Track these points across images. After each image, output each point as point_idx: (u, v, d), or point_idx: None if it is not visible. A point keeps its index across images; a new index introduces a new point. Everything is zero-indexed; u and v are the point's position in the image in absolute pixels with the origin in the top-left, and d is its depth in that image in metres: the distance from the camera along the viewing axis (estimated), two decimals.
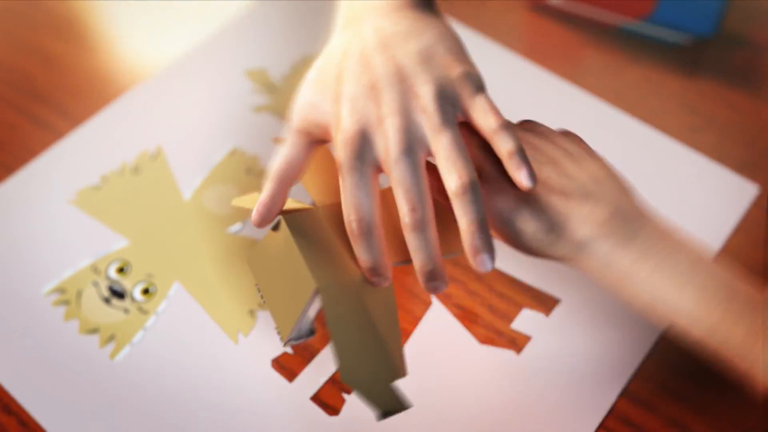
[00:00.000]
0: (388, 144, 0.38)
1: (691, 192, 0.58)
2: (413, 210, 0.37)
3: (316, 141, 0.42)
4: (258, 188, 0.57)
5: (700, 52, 0.67)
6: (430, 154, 0.39)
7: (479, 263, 0.38)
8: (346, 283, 0.40)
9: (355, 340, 0.40)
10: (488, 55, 0.66)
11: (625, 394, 0.48)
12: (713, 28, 0.65)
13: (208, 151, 0.59)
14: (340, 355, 0.39)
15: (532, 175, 0.38)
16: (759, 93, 0.64)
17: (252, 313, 0.51)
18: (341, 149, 0.38)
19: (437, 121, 0.38)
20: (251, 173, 0.58)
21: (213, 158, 0.59)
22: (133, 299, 0.52)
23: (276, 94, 0.63)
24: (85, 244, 0.54)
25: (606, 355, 0.50)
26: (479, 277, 0.53)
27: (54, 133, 0.60)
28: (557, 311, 0.52)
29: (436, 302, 0.52)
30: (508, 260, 0.54)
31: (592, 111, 0.62)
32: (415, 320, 0.51)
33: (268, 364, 0.49)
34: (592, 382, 0.48)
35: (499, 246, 0.55)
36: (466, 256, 0.39)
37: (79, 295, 0.52)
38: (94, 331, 0.51)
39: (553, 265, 0.54)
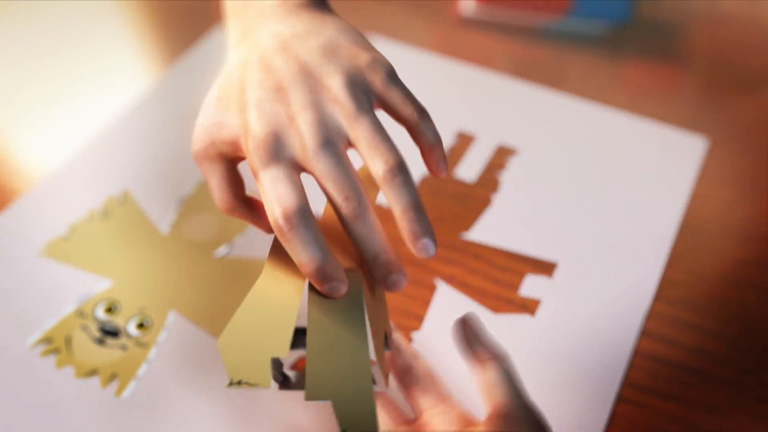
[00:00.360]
0: (303, 140, 0.35)
1: (649, 155, 0.61)
2: (347, 199, 0.34)
3: (231, 160, 0.39)
4: (235, 221, 0.56)
5: (621, 39, 0.72)
6: (349, 144, 0.36)
7: (421, 249, 0.34)
8: (290, 286, 0.35)
9: (254, 323, 0.35)
10: (426, 64, 0.68)
11: (644, 333, 0.49)
12: (629, 14, 0.71)
13: (176, 187, 0.58)
14: (232, 325, 0.35)
15: (446, 167, 0.38)
16: (682, 65, 0.69)
17: None
18: (254, 154, 0.35)
19: (352, 108, 0.36)
20: None
21: (183, 192, 0.58)
22: (128, 335, 0.49)
23: None
24: (66, 291, 0.51)
25: (615, 302, 0.51)
26: (477, 255, 0.53)
27: (9, 193, 0.57)
28: (558, 273, 0.52)
29: (441, 284, 0.51)
30: (501, 235, 0.55)
31: (541, 99, 0.65)
32: (425, 304, 0.50)
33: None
34: (610, 328, 0.49)
35: (492, 223, 0.55)
36: (407, 244, 0.36)
37: (68, 341, 0.49)
38: (92, 373, 0.47)
39: (546, 232, 0.55)
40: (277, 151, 0.35)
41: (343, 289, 0.35)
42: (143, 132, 0.62)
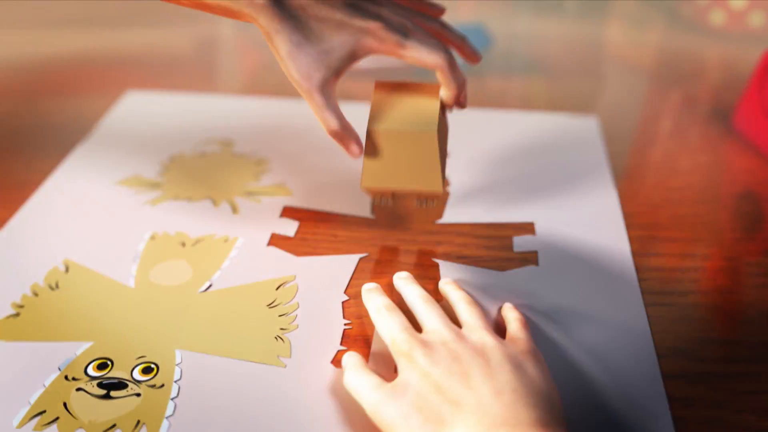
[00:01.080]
0: (401, 22, 0.45)
1: (559, 135, 0.67)
2: (442, 46, 0.46)
3: (336, 73, 0.46)
4: (207, 259, 0.52)
5: (487, 64, 0.80)
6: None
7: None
8: (440, 118, 0.47)
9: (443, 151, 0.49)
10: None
11: (635, 254, 0.52)
12: (488, 42, 0.80)
13: (125, 245, 0.53)
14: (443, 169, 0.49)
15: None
16: (544, 78, 0.79)
17: (280, 337, 0.45)
18: (393, 31, 0.44)
19: (405, 12, 0.47)
20: (186, 245, 0.53)
21: (136, 248, 0.53)
22: (137, 382, 0.42)
23: (164, 186, 0.59)
24: (43, 362, 0.43)
25: (598, 238, 0.54)
26: (460, 233, 0.54)
27: None
28: (539, 229, 0.55)
29: (441, 262, 0.51)
30: (472, 216, 0.56)
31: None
32: (434, 281, 0.50)
33: (331, 366, 0.43)
34: (606, 258, 0.52)
35: (458, 209, 0.57)
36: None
37: (65, 407, 0.41)
38: (111, 428, 0.40)
39: (509, 206, 0.57)
40: (400, 24, 0.45)
41: None
42: (69, 202, 0.56)
